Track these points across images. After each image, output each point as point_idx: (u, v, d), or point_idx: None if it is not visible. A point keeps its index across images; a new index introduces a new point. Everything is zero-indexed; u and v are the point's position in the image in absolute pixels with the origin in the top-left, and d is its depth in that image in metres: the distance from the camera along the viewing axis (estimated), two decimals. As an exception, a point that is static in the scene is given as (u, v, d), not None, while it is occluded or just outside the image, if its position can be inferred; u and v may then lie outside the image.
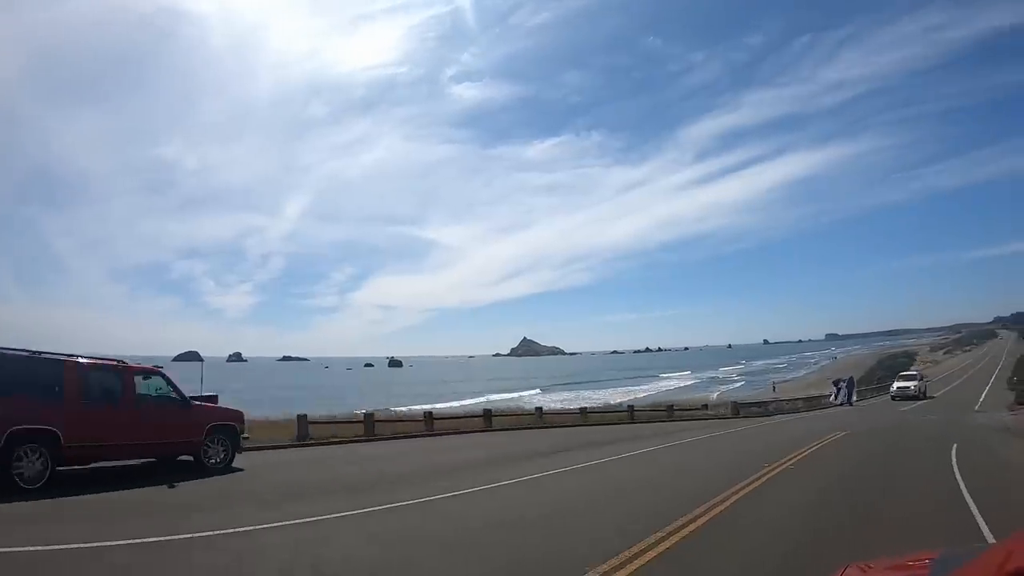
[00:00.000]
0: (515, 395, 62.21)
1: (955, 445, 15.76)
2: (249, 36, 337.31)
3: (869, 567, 1.65)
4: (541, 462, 13.25)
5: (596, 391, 69.28)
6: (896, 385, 42.65)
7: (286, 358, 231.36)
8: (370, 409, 21.97)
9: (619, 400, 49.93)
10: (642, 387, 75.43)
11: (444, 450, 15.87)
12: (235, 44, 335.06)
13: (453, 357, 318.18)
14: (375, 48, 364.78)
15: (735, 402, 34.76)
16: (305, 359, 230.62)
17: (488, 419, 22.25)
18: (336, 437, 17.06)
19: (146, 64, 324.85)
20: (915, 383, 41.98)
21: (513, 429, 22.62)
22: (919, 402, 38.89)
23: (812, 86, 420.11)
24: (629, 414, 30.29)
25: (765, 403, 37.29)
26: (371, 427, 18.33)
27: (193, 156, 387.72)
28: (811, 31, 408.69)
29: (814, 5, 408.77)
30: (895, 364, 64.33)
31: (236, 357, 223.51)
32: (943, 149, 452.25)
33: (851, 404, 41.34)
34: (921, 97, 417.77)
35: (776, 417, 33.63)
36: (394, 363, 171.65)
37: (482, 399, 53.23)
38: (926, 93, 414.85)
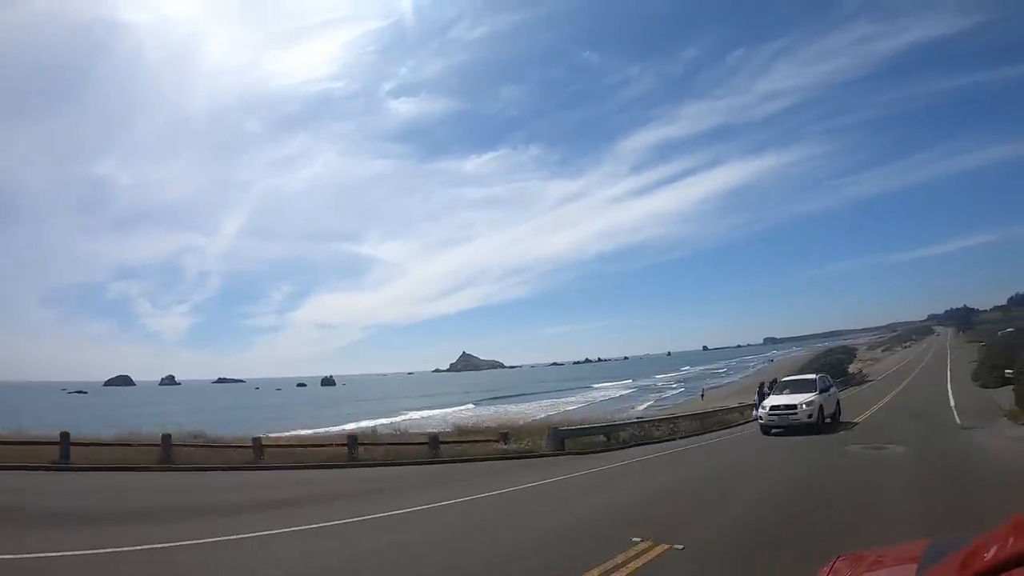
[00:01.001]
0: (433, 412, 57.29)
1: None
2: (185, 49, 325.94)
3: (860, 557, 1.66)
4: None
5: (521, 404, 65.67)
6: (767, 405, 21.60)
7: (221, 380, 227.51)
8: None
9: (543, 414, 43.55)
10: (568, 399, 71.86)
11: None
12: (171, 57, 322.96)
13: (393, 374, 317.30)
14: (312, 62, 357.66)
15: (554, 429, 19.33)
16: (241, 380, 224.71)
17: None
18: (123, 462, 14.02)
19: (80, 76, 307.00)
20: (808, 399, 20.69)
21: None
22: (836, 434, 19.48)
23: (746, 97, 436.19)
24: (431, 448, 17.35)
25: (619, 426, 22.06)
26: (168, 454, 14.74)
27: (128, 173, 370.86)
28: (745, 44, 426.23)
29: (748, 19, 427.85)
30: (831, 361, 51.31)
31: (169, 380, 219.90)
32: (873, 156, 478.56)
33: None
34: (851, 106, 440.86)
35: (630, 454, 18.54)
36: (327, 382, 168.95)
37: (399, 418, 47.98)
38: (856, 102, 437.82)
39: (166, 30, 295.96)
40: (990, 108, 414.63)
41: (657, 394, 68.94)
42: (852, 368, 60.67)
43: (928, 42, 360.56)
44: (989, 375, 35.15)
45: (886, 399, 33.20)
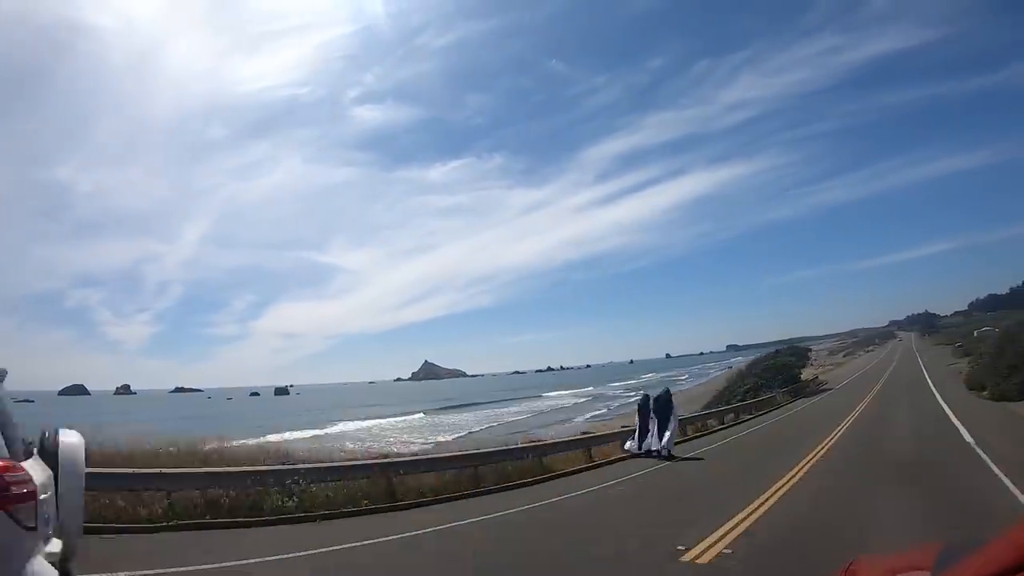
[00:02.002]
0: (370, 423, 56.08)
1: None
2: (149, 53, 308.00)
3: (875, 561, 1.70)
4: None
5: (465, 414, 65.78)
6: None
7: (179, 389, 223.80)
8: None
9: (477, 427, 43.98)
10: (511, 408, 70.16)
11: None
12: (134, 61, 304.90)
13: (354, 383, 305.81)
14: (277, 68, 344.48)
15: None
16: (199, 390, 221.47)
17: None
18: None
19: (40, 78, 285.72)
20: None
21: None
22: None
23: (711, 108, 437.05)
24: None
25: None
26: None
27: (88, 178, 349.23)
28: (711, 55, 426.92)
29: (714, 30, 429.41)
30: (776, 365, 38.45)
31: (124, 390, 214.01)
32: (836, 166, 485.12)
33: (660, 453, 16.35)
34: (815, 117, 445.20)
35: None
36: (280, 391, 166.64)
37: (326, 430, 46.66)
38: (820, 113, 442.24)
39: (130, 33, 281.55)
40: (951, 119, 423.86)
41: (607, 403, 65.79)
42: (807, 374, 48.46)
43: (892, 54, 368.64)
44: (1005, 380, 22.68)
45: (845, 425, 20.25)
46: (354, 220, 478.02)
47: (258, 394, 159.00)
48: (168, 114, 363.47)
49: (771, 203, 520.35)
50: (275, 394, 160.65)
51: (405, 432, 45.89)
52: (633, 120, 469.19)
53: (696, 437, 20.30)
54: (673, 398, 17.84)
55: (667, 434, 16.56)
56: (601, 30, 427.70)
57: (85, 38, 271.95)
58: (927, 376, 39.10)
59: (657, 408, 17.50)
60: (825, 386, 43.51)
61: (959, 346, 59.14)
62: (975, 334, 63.52)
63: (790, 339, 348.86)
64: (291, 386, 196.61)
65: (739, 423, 24.81)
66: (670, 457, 15.83)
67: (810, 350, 42.83)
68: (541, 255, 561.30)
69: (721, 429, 22.84)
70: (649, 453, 16.41)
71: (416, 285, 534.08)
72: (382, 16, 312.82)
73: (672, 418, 17.06)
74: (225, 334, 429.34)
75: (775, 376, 36.14)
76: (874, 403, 27.75)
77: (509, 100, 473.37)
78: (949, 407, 21.51)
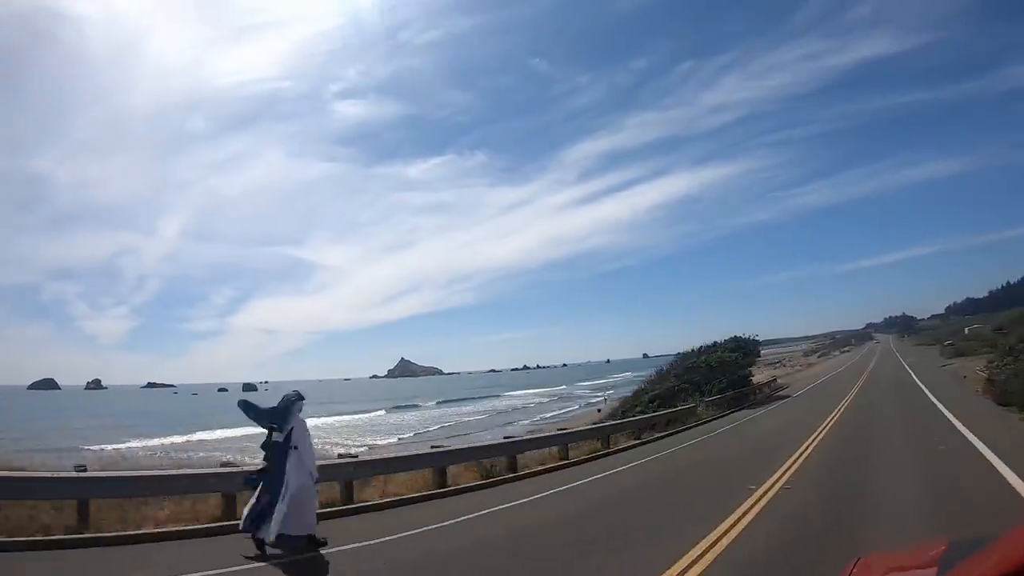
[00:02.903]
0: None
1: None
2: (130, 43, 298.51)
3: (880, 558, 1.69)
4: None
5: (424, 412, 65.90)
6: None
7: (151, 385, 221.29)
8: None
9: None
10: (470, 408, 69.54)
11: None
12: (115, 51, 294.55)
13: (329, 380, 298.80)
14: (260, 61, 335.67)
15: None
16: (171, 386, 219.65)
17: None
18: None
19: (20, 67, 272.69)
20: None
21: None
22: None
23: (694, 109, 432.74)
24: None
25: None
26: None
27: (67, 170, 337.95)
28: (694, 57, 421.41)
29: (698, 31, 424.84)
30: (711, 362, 27.05)
31: (95, 384, 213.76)
32: (816, 170, 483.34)
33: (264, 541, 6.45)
34: (797, 120, 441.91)
35: None
36: (248, 387, 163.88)
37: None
38: (801, 117, 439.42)
39: (112, 23, 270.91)
40: (931, 125, 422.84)
41: (571, 403, 64.33)
42: (762, 375, 38.27)
43: (874, 60, 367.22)
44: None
45: (781, 472, 9.47)
46: (334, 216, 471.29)
47: (226, 390, 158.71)
48: (148, 106, 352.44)
49: (752, 205, 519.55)
50: (243, 390, 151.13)
51: (344, 433, 41.83)
52: (616, 120, 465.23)
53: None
54: (300, 419, 7.19)
55: (281, 503, 6.55)
56: (585, 29, 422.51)
57: (66, 26, 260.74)
58: (918, 380, 28.82)
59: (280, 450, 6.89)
60: (782, 391, 33.09)
61: (949, 344, 49.46)
62: (966, 331, 54.11)
63: (767, 340, 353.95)
64: (265, 382, 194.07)
65: (593, 457, 14.15)
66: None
67: (758, 344, 31.17)
68: (521, 254, 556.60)
69: (535, 474, 12.14)
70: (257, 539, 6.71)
71: (396, 282, 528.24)
72: (365, 11, 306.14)
73: (295, 464, 6.64)
74: (203, 329, 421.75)
75: (711, 378, 25.61)
76: (845, 423, 17.21)
77: (492, 98, 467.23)
78: (985, 443, 10.92)
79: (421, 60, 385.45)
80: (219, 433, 38.87)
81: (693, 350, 28.81)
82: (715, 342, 28.68)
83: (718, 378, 26.08)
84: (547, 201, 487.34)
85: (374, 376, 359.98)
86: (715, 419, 21.32)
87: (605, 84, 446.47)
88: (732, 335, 29.74)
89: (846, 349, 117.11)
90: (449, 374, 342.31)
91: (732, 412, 23.40)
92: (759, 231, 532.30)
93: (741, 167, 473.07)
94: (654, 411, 20.70)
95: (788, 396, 29.21)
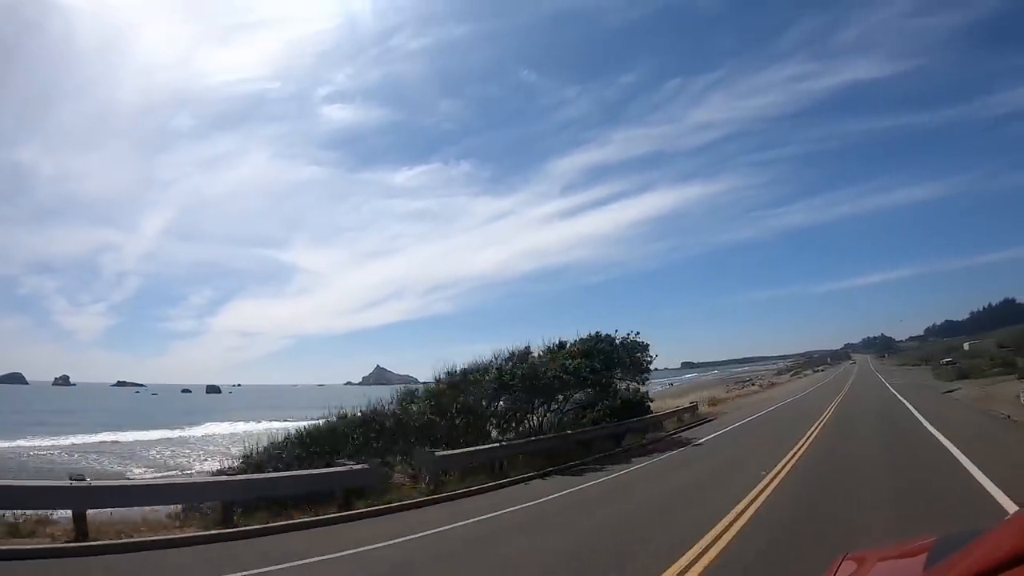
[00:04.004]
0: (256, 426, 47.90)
1: None
2: (119, 37, 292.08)
3: (866, 555, 1.66)
4: None
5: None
6: None
7: (120, 383, 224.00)
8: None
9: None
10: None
11: None
12: (104, 44, 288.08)
13: (304, 385, 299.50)
14: (249, 61, 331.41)
15: None
16: (142, 385, 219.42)
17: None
18: None
19: (8, 56, 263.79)
20: None
21: None
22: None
23: (679, 126, 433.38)
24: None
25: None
26: None
27: (50, 162, 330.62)
28: (682, 74, 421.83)
29: (687, 49, 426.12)
30: (519, 377, 15.19)
31: (63, 381, 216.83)
32: (798, 190, 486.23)
33: None
34: (780, 141, 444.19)
35: None
36: (212, 389, 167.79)
37: (196, 431, 46.04)
38: (784, 137, 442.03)
39: (101, 15, 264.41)
40: (911, 150, 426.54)
41: None
42: (675, 403, 26.69)
43: (859, 83, 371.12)
44: None
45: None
46: (317, 220, 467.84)
47: (190, 391, 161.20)
48: (135, 101, 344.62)
49: (735, 223, 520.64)
50: (206, 392, 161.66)
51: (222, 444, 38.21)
52: (602, 134, 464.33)
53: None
54: None
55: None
56: (575, 43, 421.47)
57: (55, 17, 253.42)
58: (923, 419, 16.97)
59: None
60: (705, 423, 21.13)
61: (948, 363, 37.93)
62: (966, 347, 43.11)
63: (745, 359, 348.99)
64: (238, 385, 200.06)
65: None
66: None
67: (645, 345, 17.68)
68: (503, 265, 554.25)
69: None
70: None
71: (376, 289, 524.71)
72: (358, 14, 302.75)
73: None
74: (182, 330, 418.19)
75: (527, 400, 13.52)
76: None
77: (480, 107, 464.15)
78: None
79: (411, 66, 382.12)
80: (131, 435, 37.58)
81: (499, 356, 15.17)
82: (561, 343, 15.62)
83: (547, 402, 14.14)
84: (530, 213, 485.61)
85: (348, 383, 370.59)
86: (449, 500, 9.40)
87: (593, 98, 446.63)
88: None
89: (819, 368, 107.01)
90: (424, 383, 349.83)
91: (557, 473, 11.44)
92: (741, 249, 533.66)
93: (725, 185, 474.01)
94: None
95: (697, 440, 16.96)
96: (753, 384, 73.21)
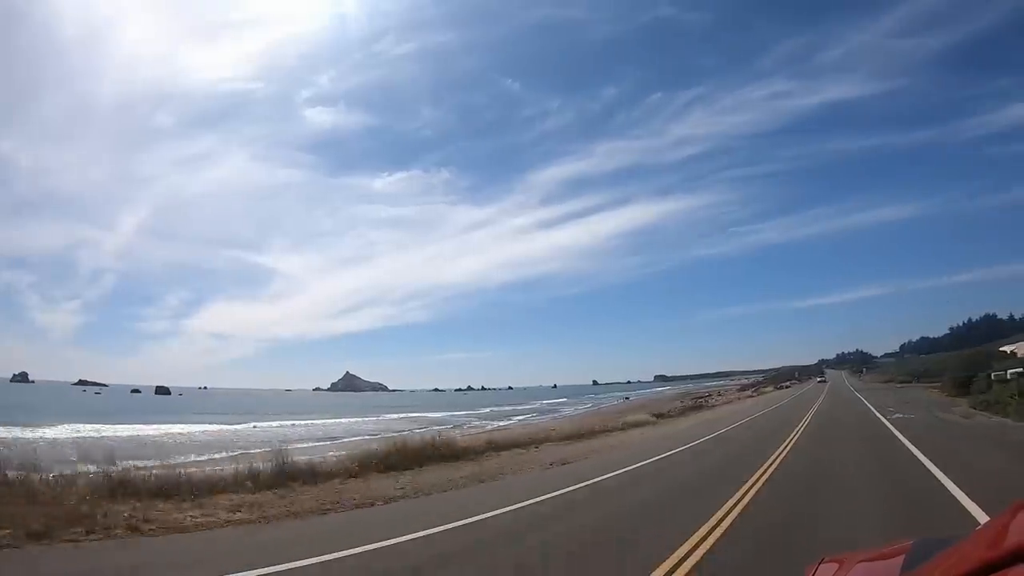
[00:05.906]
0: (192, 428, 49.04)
1: None
2: (103, 30, 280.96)
3: (845, 559, 1.67)
4: None
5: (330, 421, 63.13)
6: None
7: (81, 382, 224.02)
8: None
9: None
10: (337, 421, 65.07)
11: None
12: (87, 36, 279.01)
13: (272, 390, 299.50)
14: (233, 60, 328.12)
15: None
16: (104, 384, 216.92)
17: None
18: None
19: None
20: None
21: None
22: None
23: (660, 140, 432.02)
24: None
25: None
26: None
27: (27, 155, 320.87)
28: (664, 89, 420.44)
29: (670, 64, 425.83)
30: None
31: (21, 377, 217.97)
32: (775, 207, 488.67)
33: None
34: (759, 158, 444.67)
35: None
36: (161, 390, 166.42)
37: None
38: (764, 155, 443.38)
39: (85, 6, 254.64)
40: (889, 170, 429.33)
41: (491, 421, 57.58)
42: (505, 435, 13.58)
43: (838, 103, 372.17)
44: None
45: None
46: (294, 223, 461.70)
47: (139, 391, 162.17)
48: (115, 95, 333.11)
49: (710, 239, 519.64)
50: (155, 393, 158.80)
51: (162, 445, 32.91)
52: (582, 146, 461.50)
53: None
54: None
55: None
56: (559, 54, 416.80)
57: (39, 5, 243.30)
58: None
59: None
60: (500, 477, 8.38)
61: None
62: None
63: (718, 373, 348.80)
64: (204, 388, 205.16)
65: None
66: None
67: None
68: (479, 274, 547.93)
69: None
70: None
71: (352, 295, 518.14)
72: (344, 18, 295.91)
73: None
74: (155, 330, 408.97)
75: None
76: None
77: (461, 115, 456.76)
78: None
79: (394, 72, 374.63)
80: (15, 432, 36.87)
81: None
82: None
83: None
84: (509, 223, 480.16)
85: (317, 389, 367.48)
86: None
87: (575, 110, 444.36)
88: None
89: (786, 385, 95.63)
90: (394, 391, 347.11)
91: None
92: (718, 264, 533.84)
93: (702, 200, 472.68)
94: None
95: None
96: (709, 398, 61.44)
